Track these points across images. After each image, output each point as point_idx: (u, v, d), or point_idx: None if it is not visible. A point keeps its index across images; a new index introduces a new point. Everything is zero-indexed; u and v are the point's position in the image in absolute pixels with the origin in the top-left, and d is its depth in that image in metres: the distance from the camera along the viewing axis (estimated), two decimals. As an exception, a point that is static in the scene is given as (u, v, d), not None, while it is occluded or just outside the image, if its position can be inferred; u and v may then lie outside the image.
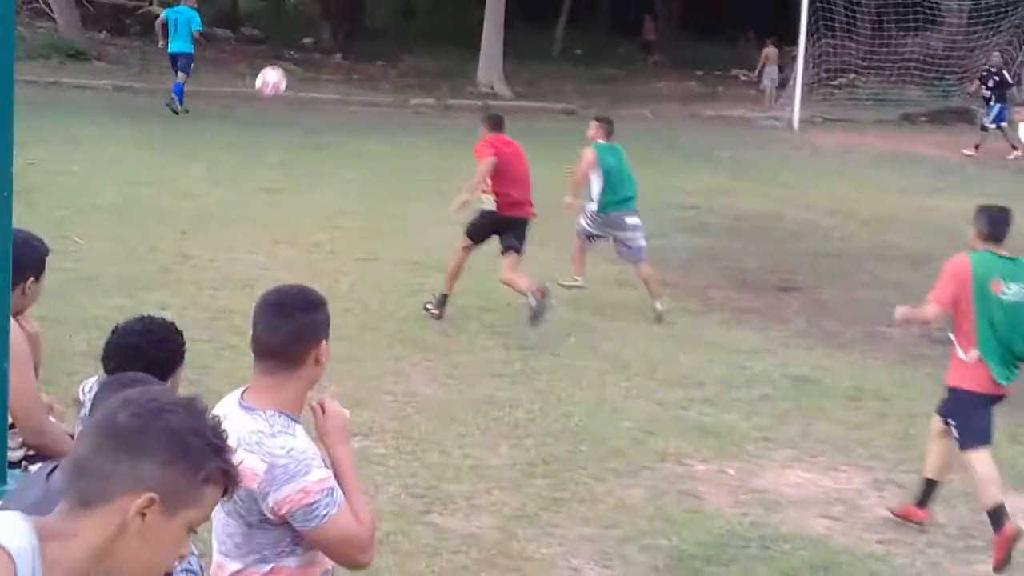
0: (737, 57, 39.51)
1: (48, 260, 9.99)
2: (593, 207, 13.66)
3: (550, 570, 7.13)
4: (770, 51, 34.41)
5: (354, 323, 11.50)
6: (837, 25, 32.91)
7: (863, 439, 9.55)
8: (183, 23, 25.65)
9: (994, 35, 32.80)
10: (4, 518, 2.46)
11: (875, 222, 18.51)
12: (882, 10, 34.60)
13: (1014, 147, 27.36)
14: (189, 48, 25.60)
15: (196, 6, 26.73)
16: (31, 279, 5.79)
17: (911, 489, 8.61)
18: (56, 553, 2.38)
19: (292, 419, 4.14)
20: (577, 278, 13.56)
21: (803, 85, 30.89)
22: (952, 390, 8.16)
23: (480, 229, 12.72)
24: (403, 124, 27.44)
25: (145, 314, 5.10)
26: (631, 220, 13.52)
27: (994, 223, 8.21)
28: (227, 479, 2.54)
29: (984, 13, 33.15)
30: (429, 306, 12.28)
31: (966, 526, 8.17)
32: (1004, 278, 8.02)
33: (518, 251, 12.60)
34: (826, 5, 32.40)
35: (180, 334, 4.97)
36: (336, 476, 4.15)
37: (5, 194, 4.60)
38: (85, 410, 4.65)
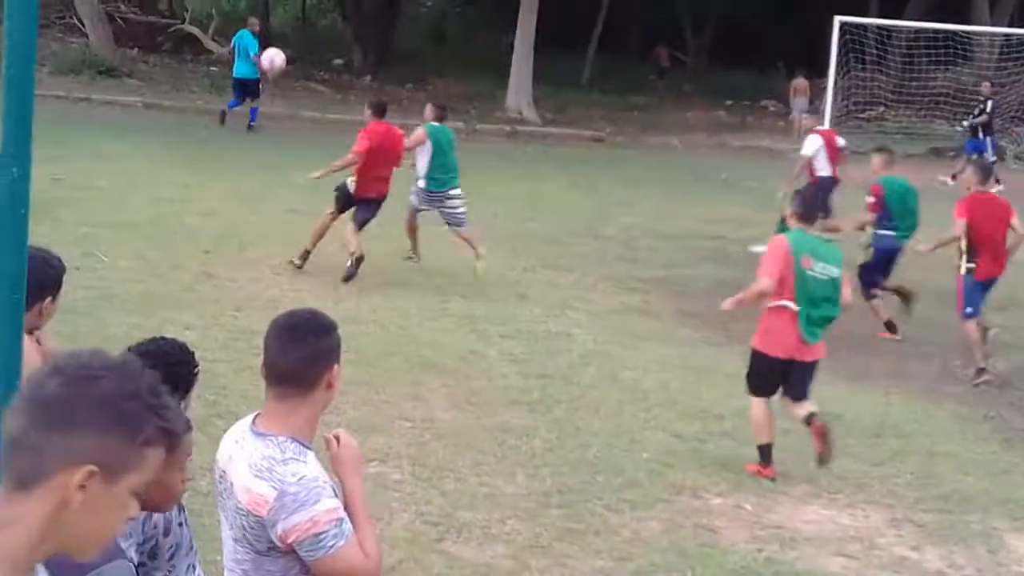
0: (767, 88, 39.48)
1: (72, 277, 10.00)
2: (422, 184, 15.39)
3: (562, 602, 7.10)
4: (800, 83, 34.39)
5: (374, 347, 11.49)
6: (867, 58, 32.84)
7: (882, 476, 9.49)
8: (243, 48, 26.07)
9: (1025, 71, 32.74)
10: None
11: (904, 256, 18.39)
12: (913, 44, 34.52)
13: (953, 177, 27.38)
14: (253, 73, 25.96)
15: (256, 30, 27.06)
16: (48, 298, 5.77)
17: (930, 528, 8.57)
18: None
19: (304, 445, 4.13)
20: (413, 254, 15.54)
21: (832, 117, 30.76)
22: (753, 349, 9.62)
23: (342, 201, 14.67)
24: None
25: (159, 335, 5.08)
26: (454, 193, 15.46)
27: (806, 205, 9.81)
28: (169, 438, 2.41)
29: (1015, 49, 33.02)
30: (295, 260, 14.37)
31: (983, 568, 8.10)
32: (812, 255, 9.34)
33: (362, 223, 14.53)
34: (857, 38, 32.30)
35: (193, 355, 4.96)
36: (347, 507, 4.13)
37: (21, 211, 4.59)
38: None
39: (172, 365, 4.79)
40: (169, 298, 12.50)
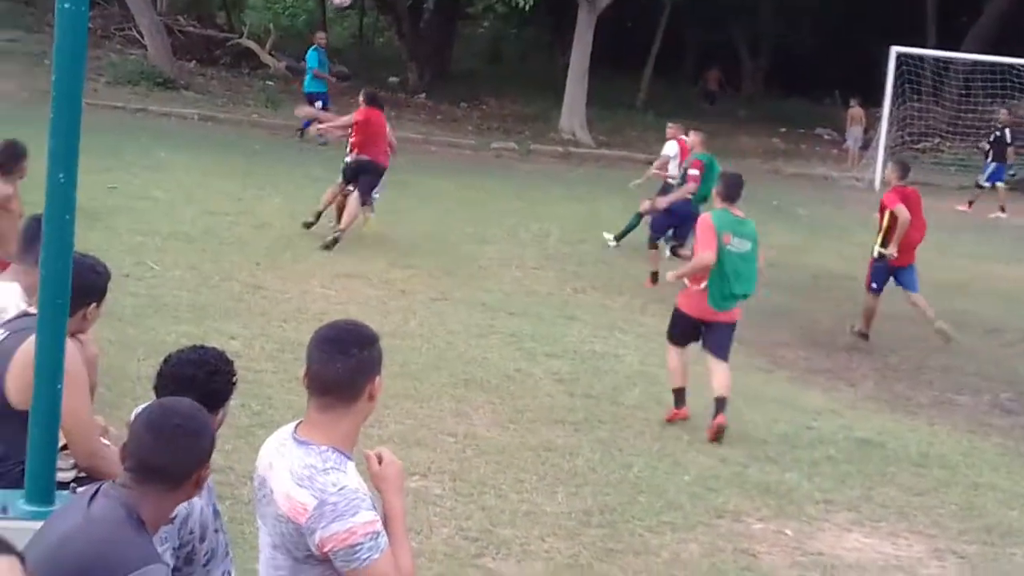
0: (821, 116, 39.34)
1: (122, 284, 10.12)
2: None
3: (599, 621, 7.09)
4: (855, 111, 34.25)
5: (420, 362, 11.51)
6: (923, 89, 32.73)
7: (926, 506, 9.43)
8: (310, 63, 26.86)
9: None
10: None
11: (950, 288, 18.28)
12: (970, 76, 34.36)
13: (1002, 209, 27.39)
14: (321, 87, 26.38)
15: (324, 44, 27.41)
16: (92, 304, 5.82)
17: (973, 560, 8.51)
18: None
19: (345, 456, 4.16)
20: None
21: (886, 147, 30.68)
22: (675, 308, 11.04)
23: (349, 173, 16.96)
24: (483, 166, 27.53)
25: (199, 344, 5.12)
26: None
27: (729, 186, 10.90)
28: None
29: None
30: (309, 219, 16.96)
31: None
32: (732, 232, 10.61)
33: (364, 195, 16.69)
34: (913, 68, 32.20)
35: (231, 364, 4.99)
36: (386, 522, 4.15)
37: (67, 217, 4.64)
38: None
39: (211, 373, 4.84)
40: (218, 308, 12.57)
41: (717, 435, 10.35)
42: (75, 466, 5.63)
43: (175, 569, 4.47)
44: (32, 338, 5.08)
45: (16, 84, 28.70)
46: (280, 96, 31.36)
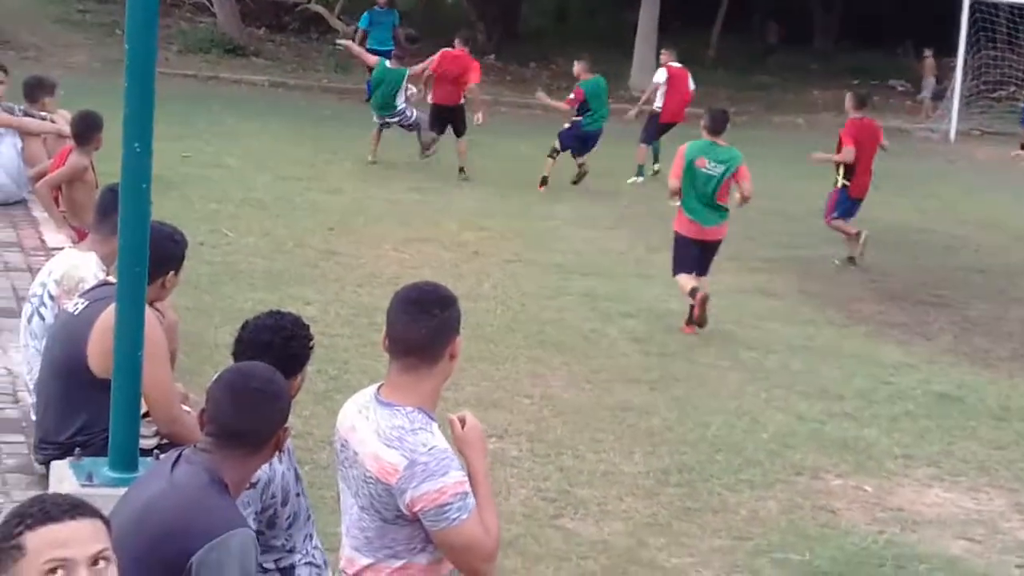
0: (894, 67, 38.90)
1: (197, 252, 10.21)
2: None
3: (679, 580, 7.09)
4: (928, 62, 33.84)
5: (495, 324, 11.53)
6: (998, 36, 32.27)
7: (1007, 460, 9.34)
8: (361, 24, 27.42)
9: None
10: None
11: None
12: (1047, 23, 33.84)
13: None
14: (383, 46, 26.51)
15: (383, 4, 27.37)
16: (171, 272, 5.88)
17: (1054, 514, 8.44)
18: None
19: (430, 416, 4.21)
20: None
21: (961, 97, 30.35)
22: (675, 234, 12.35)
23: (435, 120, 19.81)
24: (554, 126, 27.36)
25: (275, 309, 5.15)
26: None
27: (714, 121, 12.46)
28: None
29: None
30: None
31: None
32: (707, 157, 12.11)
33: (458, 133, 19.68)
34: (987, 16, 31.76)
35: (308, 328, 5.02)
36: (471, 484, 4.18)
37: (143, 186, 4.69)
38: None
39: (288, 339, 4.88)
40: (293, 274, 12.64)
41: (703, 309, 11.85)
42: (157, 433, 5.70)
43: (258, 533, 4.52)
44: (112, 307, 5.15)
45: (88, 55, 28.93)
46: (349, 61, 31.35)
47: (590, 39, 38.67)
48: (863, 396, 10.50)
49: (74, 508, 3.05)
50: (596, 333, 11.70)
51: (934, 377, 11.23)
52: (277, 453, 4.25)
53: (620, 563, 7.16)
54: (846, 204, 15.93)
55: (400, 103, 19.88)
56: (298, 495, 4.97)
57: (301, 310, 10.82)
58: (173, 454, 4.19)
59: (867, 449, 9.29)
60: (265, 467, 4.49)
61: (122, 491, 4.23)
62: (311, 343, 5.01)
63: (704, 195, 12.16)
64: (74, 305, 5.85)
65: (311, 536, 5.10)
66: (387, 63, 20.32)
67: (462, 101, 20.15)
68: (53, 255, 8.02)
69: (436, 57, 20.17)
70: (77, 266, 6.68)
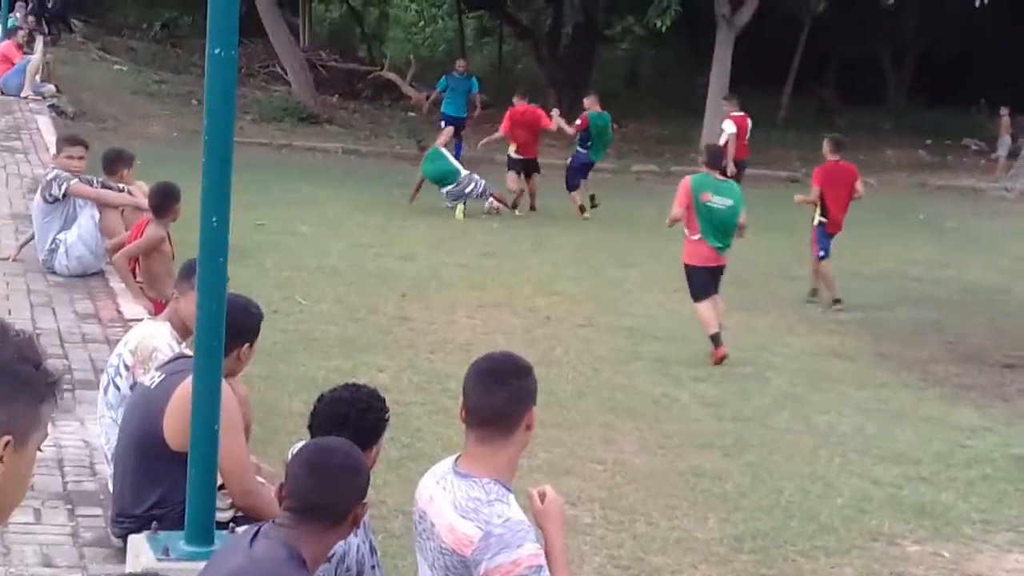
0: (968, 126, 38.65)
1: (271, 320, 10.29)
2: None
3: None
4: (1004, 120, 33.60)
5: (567, 389, 11.54)
6: (1073, 94, 32.03)
7: (1088, 524, 9.22)
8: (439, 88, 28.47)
9: None
10: None
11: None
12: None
13: None
14: (457, 111, 27.42)
15: (462, 71, 27.81)
16: (247, 345, 5.94)
17: None
18: None
19: (506, 488, 4.22)
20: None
21: None
22: (685, 265, 13.32)
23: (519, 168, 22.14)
24: (624, 189, 27.53)
25: (352, 381, 5.20)
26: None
27: (712, 156, 13.87)
28: (55, 389, 2.52)
29: None
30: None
31: None
32: (712, 192, 12.98)
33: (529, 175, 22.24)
34: (1062, 73, 31.57)
35: (383, 401, 5.07)
36: (547, 557, 4.19)
37: (220, 260, 4.77)
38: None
39: (364, 412, 4.93)
40: (365, 341, 12.72)
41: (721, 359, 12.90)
42: (232, 505, 5.75)
43: (333, 605, 4.55)
44: (188, 380, 5.21)
45: (165, 125, 29.33)
46: (421, 127, 31.59)
47: (660, 102, 38.86)
48: (940, 460, 10.40)
49: None
50: (668, 398, 11.68)
51: (1012, 440, 11.10)
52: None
53: (695, 631, 7.12)
54: (825, 240, 16.75)
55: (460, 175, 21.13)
56: (373, 567, 5.00)
57: (374, 377, 10.94)
58: (252, 529, 4.24)
59: (944, 514, 9.19)
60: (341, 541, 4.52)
61: (198, 565, 4.28)
62: (387, 415, 5.06)
63: (725, 227, 13.14)
64: (151, 378, 5.94)
65: (386, 607, 5.12)
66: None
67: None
68: (130, 326, 8.15)
69: (505, 119, 22.75)
70: (152, 335, 6.78)
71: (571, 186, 22.44)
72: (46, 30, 33.02)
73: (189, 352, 5.53)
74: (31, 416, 2.47)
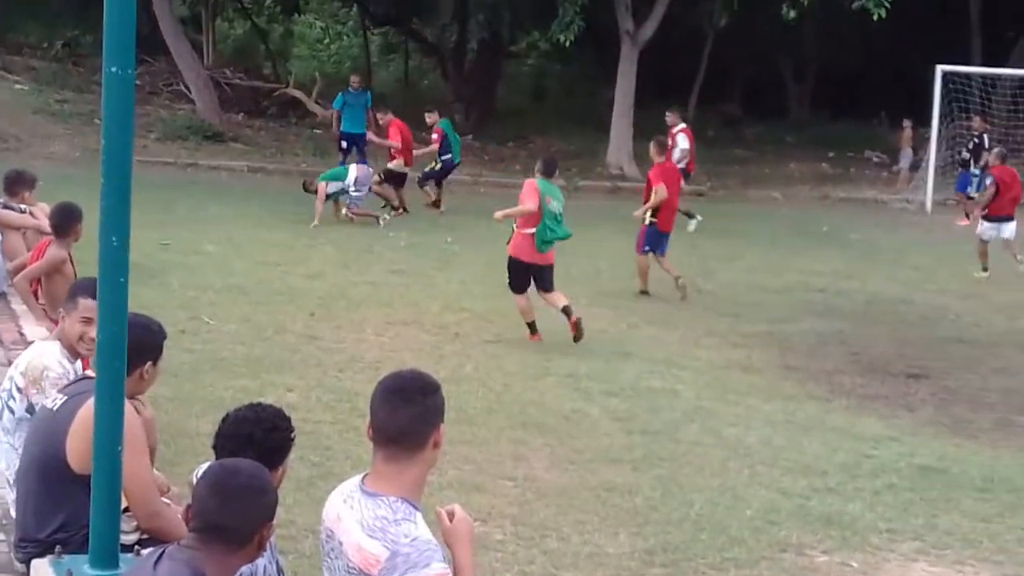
0: (870, 138, 39.15)
1: (178, 340, 10.22)
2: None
3: (666, 662, 7.05)
4: (907, 133, 34.04)
5: (476, 406, 11.51)
6: (971, 107, 32.52)
7: (992, 532, 9.32)
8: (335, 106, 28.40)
9: None
10: None
11: (1010, 308, 18.18)
12: (1018, 92, 34.09)
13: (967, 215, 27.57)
14: (355, 128, 27.43)
15: (356, 86, 27.90)
16: (149, 363, 5.88)
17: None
18: None
19: (414, 506, 4.21)
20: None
21: (936, 167, 30.56)
22: (511, 258, 14.42)
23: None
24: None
25: (257, 401, 5.16)
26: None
27: (547, 165, 15.03)
28: None
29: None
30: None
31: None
32: (551, 196, 14.37)
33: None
34: (960, 87, 32.06)
35: (289, 421, 5.04)
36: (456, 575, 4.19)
37: (121, 280, 4.70)
38: (196, 496, 4.72)
39: (269, 431, 4.89)
40: (274, 360, 12.63)
41: (579, 329, 14.18)
42: (137, 528, 5.68)
43: (240, 628, 4.50)
44: (91, 401, 5.14)
45: (67, 144, 29.04)
46: (328, 144, 31.48)
47: (567, 117, 39.01)
48: (846, 470, 10.49)
49: None
50: (578, 413, 11.69)
51: (917, 449, 11.22)
52: None
53: (607, 646, 7.12)
54: (656, 238, 17.75)
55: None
56: (280, 587, 4.95)
57: (282, 397, 10.87)
58: (157, 551, 4.19)
59: (852, 524, 9.27)
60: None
61: (103, 589, 4.22)
62: (293, 435, 5.03)
63: (558, 230, 14.42)
64: (53, 400, 5.86)
65: (294, 629, 5.08)
66: None
67: None
68: (32, 349, 8.01)
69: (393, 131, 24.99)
70: (40, 354, 6.73)
71: (424, 180, 25.37)
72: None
73: (92, 373, 5.46)
74: None
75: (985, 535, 9.23)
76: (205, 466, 5.02)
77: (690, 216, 23.94)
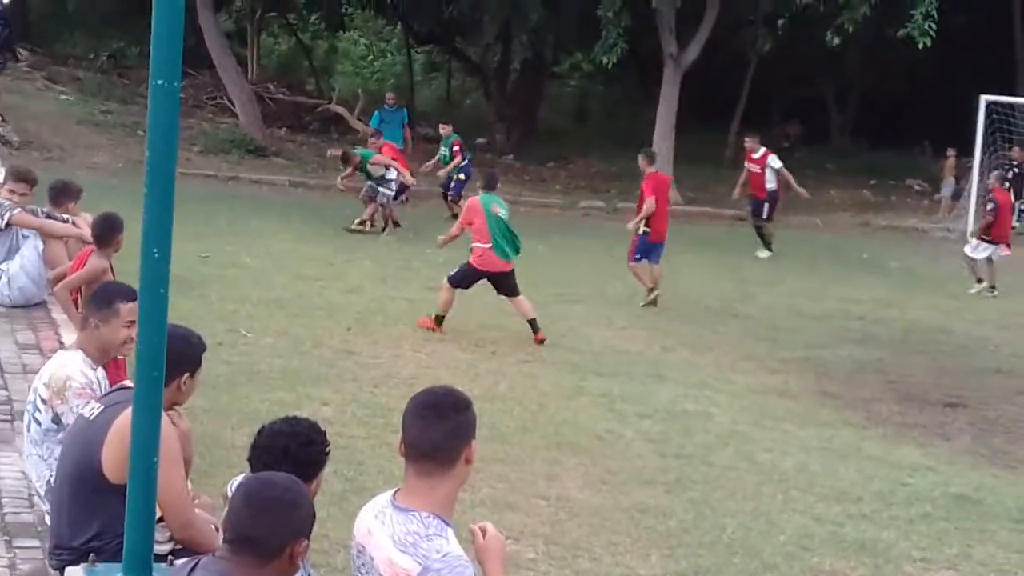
0: (912, 167, 38.98)
1: (215, 352, 10.23)
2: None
3: None
4: (950, 162, 33.88)
5: (510, 424, 11.52)
6: (1015, 137, 32.36)
7: (1027, 564, 9.28)
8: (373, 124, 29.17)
9: None
10: None
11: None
12: (1062, 121, 33.91)
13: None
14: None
15: (391, 103, 28.12)
16: (187, 375, 5.90)
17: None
18: None
19: (445, 522, 4.22)
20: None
21: (978, 197, 30.39)
22: (470, 265, 15.22)
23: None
24: (571, 225, 27.63)
25: (292, 415, 5.18)
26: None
27: (489, 180, 16.19)
28: None
29: None
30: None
31: None
32: (497, 205, 15.27)
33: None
34: (1004, 116, 31.89)
35: (324, 434, 5.05)
36: None
37: (161, 291, 4.73)
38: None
39: (304, 444, 4.91)
40: (310, 374, 12.67)
41: (541, 343, 14.90)
42: (171, 538, 5.71)
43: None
44: (128, 411, 5.17)
45: (110, 155, 29.20)
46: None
47: (608, 138, 38.99)
48: (881, 498, 10.44)
49: None
50: (612, 434, 11.69)
51: (953, 479, 11.17)
52: None
53: (636, 668, 7.11)
54: (647, 247, 18.34)
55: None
56: (311, 603, 4.96)
57: (318, 411, 10.90)
58: (191, 562, 4.21)
59: (885, 552, 9.23)
60: None
61: (136, 598, 4.24)
62: (327, 449, 5.04)
63: (508, 235, 15.13)
64: (90, 410, 5.89)
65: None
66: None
67: None
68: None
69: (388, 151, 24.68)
70: (63, 364, 6.76)
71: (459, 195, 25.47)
72: (-8, 59, 32.91)
73: (130, 383, 5.49)
74: None
75: (1020, 567, 9.19)
76: (239, 478, 5.04)
77: (768, 245, 24.54)
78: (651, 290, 18.17)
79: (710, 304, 18.75)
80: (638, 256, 18.40)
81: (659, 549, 8.90)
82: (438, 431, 4.24)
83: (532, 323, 15.05)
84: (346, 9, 41.60)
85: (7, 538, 6.96)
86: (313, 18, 43.14)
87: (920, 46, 28.41)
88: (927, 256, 26.54)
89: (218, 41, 34.13)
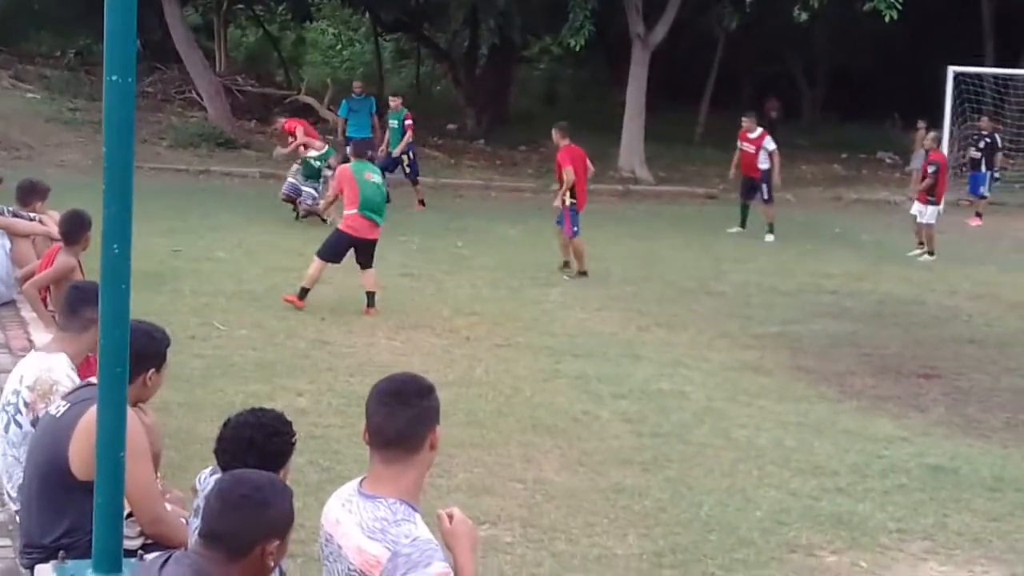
0: (882, 139, 39.08)
1: (189, 346, 10.22)
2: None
3: (674, 663, 7.05)
4: (920, 133, 33.94)
5: (486, 409, 11.53)
6: (983, 108, 32.47)
7: (1002, 532, 9.30)
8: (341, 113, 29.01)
9: None
10: None
11: (1022, 308, 18.13)
12: (1031, 92, 34.08)
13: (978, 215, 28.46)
14: (360, 133, 27.33)
15: (358, 92, 28.05)
16: (152, 370, 5.89)
17: (1050, 584, 8.40)
18: None
19: (413, 507, 4.21)
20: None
21: (949, 168, 30.47)
22: (340, 231, 15.37)
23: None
24: (543, 209, 27.55)
25: (257, 406, 5.18)
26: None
27: (357, 147, 16.58)
28: None
29: None
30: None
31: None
32: (369, 171, 15.42)
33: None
34: (972, 88, 32.00)
35: (290, 425, 5.05)
36: None
37: (123, 286, 4.71)
38: (198, 501, 4.75)
39: (269, 435, 4.90)
40: (284, 365, 12.66)
41: (371, 313, 15.14)
42: (141, 533, 5.70)
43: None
44: (93, 408, 5.16)
45: (80, 152, 29.11)
46: (340, 149, 31.52)
47: (578, 121, 38.81)
48: (857, 471, 10.47)
49: None
50: (588, 415, 11.69)
51: (927, 450, 11.20)
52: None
53: (615, 648, 7.12)
54: (576, 217, 18.78)
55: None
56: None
57: (293, 401, 10.90)
58: (163, 556, 4.21)
59: (861, 524, 9.26)
60: None
61: (105, 594, 4.23)
62: (293, 439, 5.03)
63: (380, 201, 15.41)
64: (56, 408, 5.87)
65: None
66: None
67: None
68: (40, 356, 8.02)
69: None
70: (50, 368, 6.68)
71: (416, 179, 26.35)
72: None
73: (95, 380, 5.47)
74: None
75: (995, 535, 9.22)
76: (207, 472, 5.04)
77: (770, 228, 24.24)
78: (567, 264, 18.95)
79: (684, 283, 18.77)
80: (575, 229, 18.79)
81: (636, 528, 8.91)
82: (402, 418, 4.24)
83: (370, 295, 15.37)
84: (312, -1, 41.54)
85: (-20, 538, 6.94)
86: (280, 9, 43.03)
87: (887, 19, 28.48)
88: (899, 229, 26.54)
89: (184, 35, 34.05)
